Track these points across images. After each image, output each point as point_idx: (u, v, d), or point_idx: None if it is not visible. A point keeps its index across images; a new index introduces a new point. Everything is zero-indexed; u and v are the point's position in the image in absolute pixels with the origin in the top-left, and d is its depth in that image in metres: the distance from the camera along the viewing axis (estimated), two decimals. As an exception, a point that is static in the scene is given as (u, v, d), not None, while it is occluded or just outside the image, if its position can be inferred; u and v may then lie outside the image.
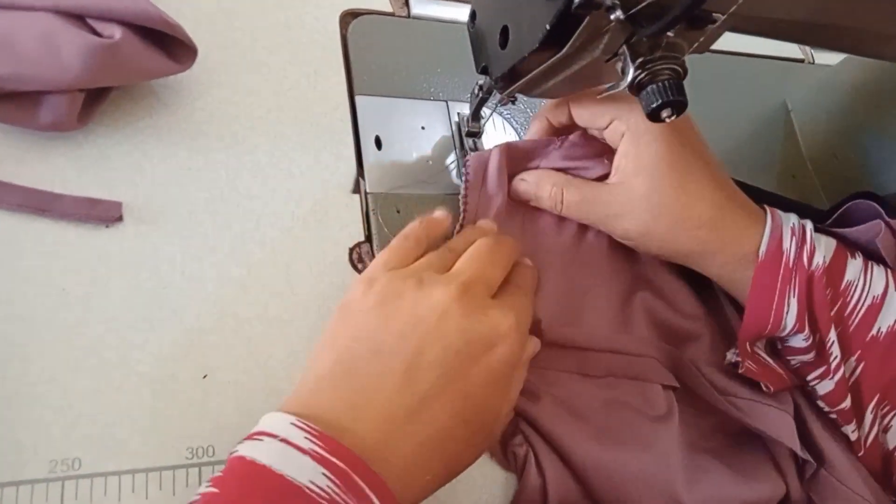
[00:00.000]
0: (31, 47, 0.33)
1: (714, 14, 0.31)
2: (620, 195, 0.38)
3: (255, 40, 0.43)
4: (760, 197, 0.41)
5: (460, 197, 0.40)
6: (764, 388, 0.38)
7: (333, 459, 0.25)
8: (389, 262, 0.34)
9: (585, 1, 0.29)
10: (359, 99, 0.45)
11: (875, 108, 0.51)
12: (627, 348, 0.40)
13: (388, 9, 0.49)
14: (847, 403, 0.38)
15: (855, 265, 0.38)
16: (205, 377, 0.33)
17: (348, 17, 0.48)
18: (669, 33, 0.31)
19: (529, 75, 0.36)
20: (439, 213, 0.38)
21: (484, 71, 0.39)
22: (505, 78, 0.37)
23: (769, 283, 0.36)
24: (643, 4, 0.29)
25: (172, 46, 0.38)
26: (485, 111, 0.44)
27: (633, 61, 0.32)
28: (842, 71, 0.55)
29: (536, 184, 0.41)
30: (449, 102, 0.47)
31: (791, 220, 0.38)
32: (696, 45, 0.33)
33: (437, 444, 0.28)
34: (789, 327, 0.37)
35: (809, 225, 0.38)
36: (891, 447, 0.38)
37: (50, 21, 0.34)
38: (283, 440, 0.25)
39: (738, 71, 0.60)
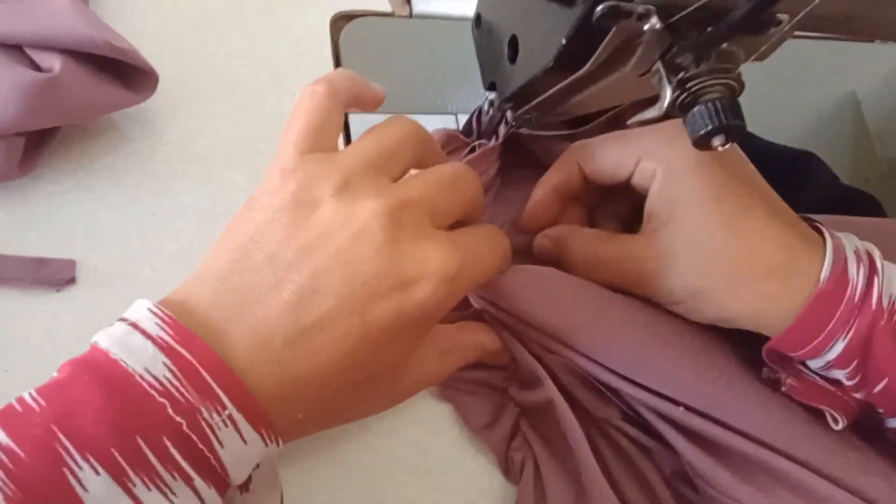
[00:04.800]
0: (-43, 88, 0.29)
1: (779, 15, 0.24)
2: (656, 247, 0.30)
3: (230, 57, 0.38)
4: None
5: None
6: (830, 421, 0.30)
7: (181, 350, 0.21)
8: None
9: (611, 8, 0.23)
10: (352, 118, 0.39)
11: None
12: None
13: (387, 9, 0.43)
14: None
15: None
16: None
17: (340, 20, 0.42)
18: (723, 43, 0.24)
19: (544, 95, 0.29)
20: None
21: (492, 87, 0.32)
22: (516, 97, 0.30)
23: (822, 317, 0.28)
24: (687, 10, 0.23)
25: (129, 73, 0.33)
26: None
27: (671, 79, 0.25)
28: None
29: (559, 242, 0.33)
30: (459, 116, 0.41)
31: (853, 242, 0.30)
32: (756, 54, 0.26)
33: (315, 381, 0.23)
34: (826, 361, 0.29)
35: (877, 252, 0.30)
36: None
37: (-19, 54, 0.29)
38: (132, 324, 0.22)
39: (792, 54, 0.51)
